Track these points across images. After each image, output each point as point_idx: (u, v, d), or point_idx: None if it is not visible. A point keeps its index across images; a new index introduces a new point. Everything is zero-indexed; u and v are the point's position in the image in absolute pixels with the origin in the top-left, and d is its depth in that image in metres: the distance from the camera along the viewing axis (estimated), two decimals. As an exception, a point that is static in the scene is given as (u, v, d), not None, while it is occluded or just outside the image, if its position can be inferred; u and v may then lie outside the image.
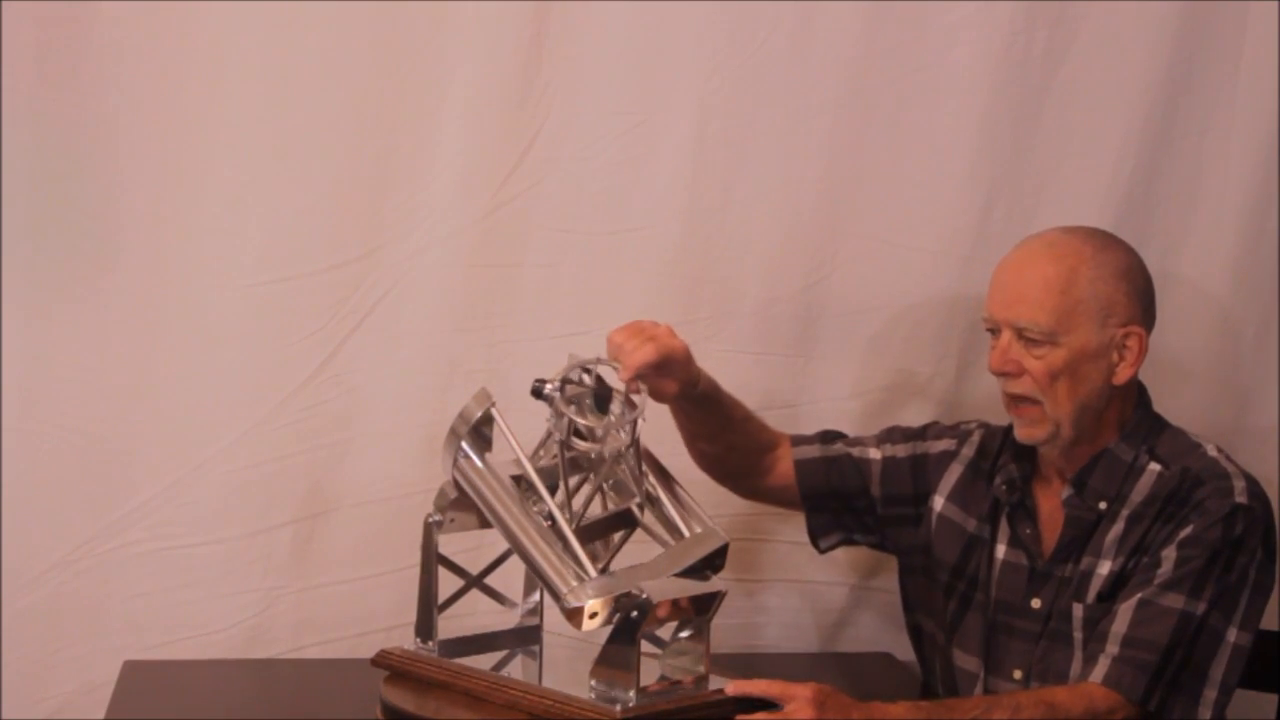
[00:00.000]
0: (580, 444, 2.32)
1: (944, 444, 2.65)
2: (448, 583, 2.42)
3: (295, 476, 2.81)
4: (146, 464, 2.78)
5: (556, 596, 2.24)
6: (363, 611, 2.81)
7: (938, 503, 2.61)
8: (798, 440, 2.67)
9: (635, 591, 2.23)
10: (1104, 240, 2.50)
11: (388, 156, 2.80)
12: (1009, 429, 2.59)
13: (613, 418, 2.33)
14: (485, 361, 2.82)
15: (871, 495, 2.64)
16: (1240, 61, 2.90)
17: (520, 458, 2.33)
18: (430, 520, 2.39)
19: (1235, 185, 2.91)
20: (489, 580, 2.48)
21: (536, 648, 2.49)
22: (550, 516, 2.30)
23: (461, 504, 2.38)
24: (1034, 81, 2.88)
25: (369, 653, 2.43)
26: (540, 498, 2.30)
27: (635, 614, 2.22)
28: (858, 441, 2.68)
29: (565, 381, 2.32)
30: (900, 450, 2.65)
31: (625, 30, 2.82)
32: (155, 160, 2.75)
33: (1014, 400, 2.46)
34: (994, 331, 2.48)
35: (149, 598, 2.79)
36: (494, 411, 2.34)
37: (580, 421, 2.30)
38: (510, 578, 2.49)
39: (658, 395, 2.44)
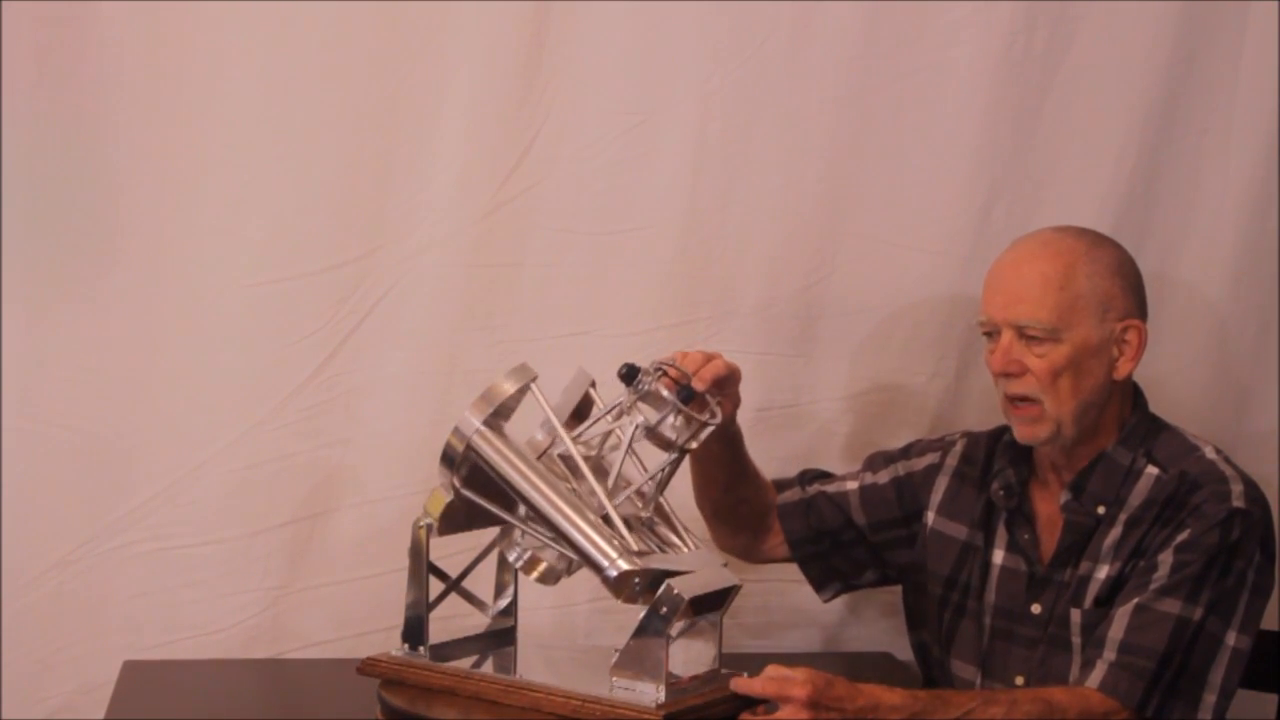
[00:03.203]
0: (664, 434, 2.33)
1: (928, 459, 2.65)
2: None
3: (295, 476, 2.81)
4: (146, 464, 2.79)
5: (598, 569, 2.24)
6: (363, 611, 2.81)
7: (930, 518, 2.62)
8: (780, 485, 2.69)
9: (676, 569, 2.24)
10: (1095, 237, 2.51)
11: (388, 156, 2.80)
12: (998, 432, 2.59)
13: (695, 419, 2.35)
14: (485, 361, 2.81)
15: (856, 525, 2.65)
16: (1240, 61, 2.89)
17: (562, 436, 2.33)
18: (422, 525, 2.38)
19: (1235, 185, 2.91)
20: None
21: (513, 649, 2.50)
22: (574, 493, 2.31)
23: (453, 507, 2.37)
24: (1034, 81, 2.88)
25: (369, 653, 2.43)
26: (584, 476, 2.31)
27: (665, 610, 2.22)
28: (837, 479, 2.69)
29: (658, 371, 2.34)
30: (881, 476, 2.66)
31: (625, 30, 2.82)
32: (155, 160, 2.75)
33: (1013, 400, 2.46)
34: (991, 335, 2.48)
35: (149, 598, 2.79)
36: (534, 387, 2.35)
37: (694, 416, 2.32)
38: (481, 580, 2.49)
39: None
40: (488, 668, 2.40)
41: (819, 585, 2.70)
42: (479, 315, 2.84)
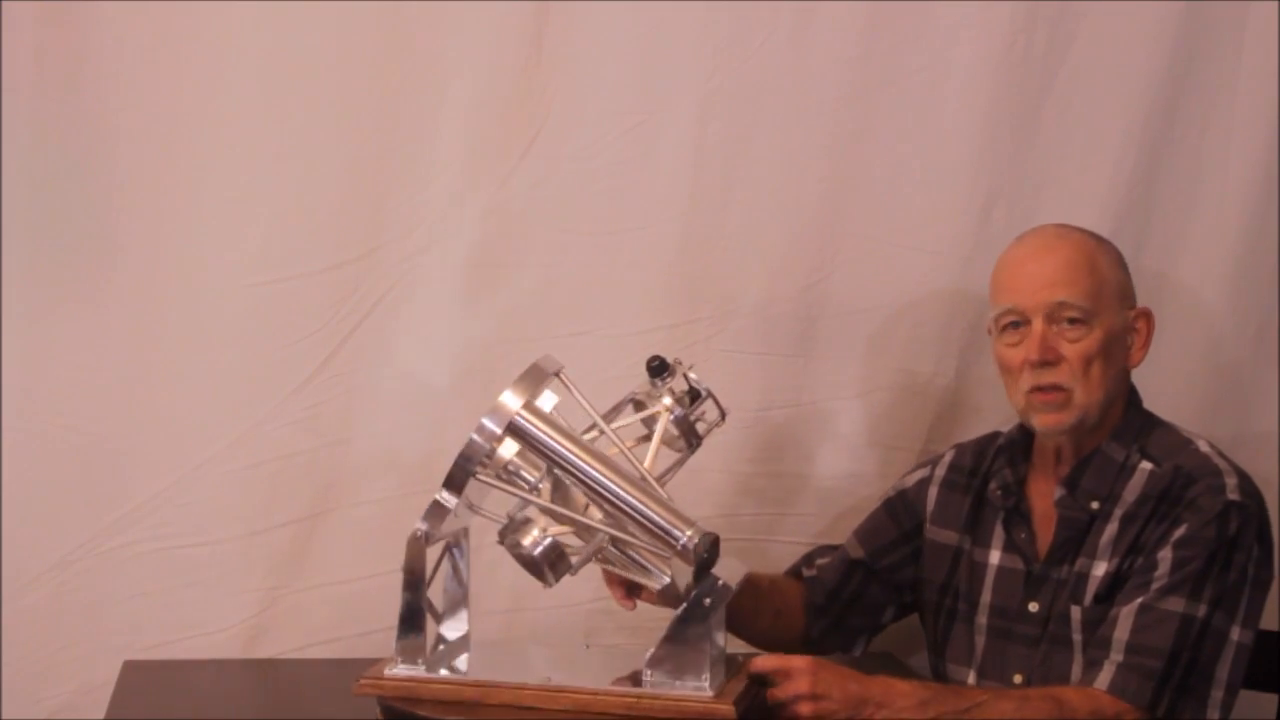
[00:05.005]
0: (694, 424, 2.37)
1: (918, 474, 2.67)
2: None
3: (295, 476, 2.81)
4: (146, 464, 2.79)
5: (673, 539, 2.22)
6: (363, 611, 2.80)
7: (927, 529, 2.63)
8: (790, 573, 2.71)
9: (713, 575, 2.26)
10: (1095, 234, 2.53)
11: (388, 156, 2.80)
12: (989, 438, 2.60)
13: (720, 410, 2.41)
14: (485, 361, 2.81)
15: (860, 564, 2.66)
16: (1240, 61, 2.90)
17: (596, 419, 2.33)
18: (420, 533, 2.31)
19: (1235, 185, 2.91)
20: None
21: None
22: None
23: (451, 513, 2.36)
24: (1034, 81, 2.88)
25: (369, 653, 2.44)
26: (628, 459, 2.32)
27: (709, 600, 2.22)
28: (837, 549, 2.70)
29: (688, 366, 2.39)
30: (875, 507, 2.68)
31: (625, 30, 2.82)
32: (155, 160, 2.75)
33: (1042, 389, 2.45)
34: (1015, 325, 2.46)
35: (149, 598, 2.79)
36: (564, 377, 2.35)
37: (718, 406, 2.37)
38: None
39: None
40: (492, 673, 2.35)
41: (845, 649, 2.69)
42: (479, 315, 2.84)
